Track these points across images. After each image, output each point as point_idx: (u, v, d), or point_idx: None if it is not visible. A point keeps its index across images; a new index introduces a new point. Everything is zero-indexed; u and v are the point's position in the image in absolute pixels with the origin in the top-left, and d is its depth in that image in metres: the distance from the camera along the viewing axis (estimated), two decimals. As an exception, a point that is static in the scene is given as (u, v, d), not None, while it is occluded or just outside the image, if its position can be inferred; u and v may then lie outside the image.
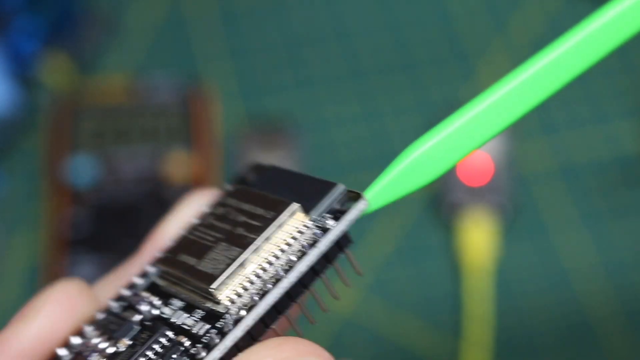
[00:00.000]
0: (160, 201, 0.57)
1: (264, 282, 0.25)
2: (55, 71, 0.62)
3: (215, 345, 0.25)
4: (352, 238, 0.26)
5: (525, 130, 0.61)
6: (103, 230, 0.56)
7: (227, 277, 0.26)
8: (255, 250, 0.26)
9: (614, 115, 0.62)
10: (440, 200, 0.58)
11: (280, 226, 0.26)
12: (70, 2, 0.63)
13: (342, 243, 0.26)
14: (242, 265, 0.26)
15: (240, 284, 0.26)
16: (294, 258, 0.26)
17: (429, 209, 0.59)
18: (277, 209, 0.26)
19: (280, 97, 0.63)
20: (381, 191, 0.27)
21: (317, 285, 0.26)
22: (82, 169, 0.58)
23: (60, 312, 0.27)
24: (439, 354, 0.55)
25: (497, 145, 0.59)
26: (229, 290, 0.25)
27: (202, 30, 0.65)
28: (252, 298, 0.25)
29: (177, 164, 0.58)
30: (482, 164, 0.58)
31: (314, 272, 0.26)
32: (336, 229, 0.26)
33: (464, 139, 0.26)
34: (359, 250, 0.57)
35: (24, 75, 0.61)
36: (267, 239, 0.26)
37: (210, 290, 0.25)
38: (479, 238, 0.57)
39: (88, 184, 0.57)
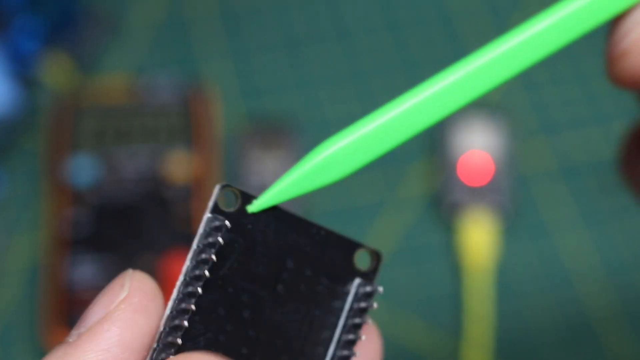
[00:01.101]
0: (160, 201, 0.57)
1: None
2: (55, 71, 0.62)
3: None
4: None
5: (526, 130, 0.61)
6: (103, 230, 0.56)
7: None
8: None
9: (614, 115, 0.62)
10: (441, 200, 0.58)
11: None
12: (71, 2, 0.63)
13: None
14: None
15: None
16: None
17: (429, 209, 0.59)
18: None
19: (280, 97, 0.63)
20: (288, 185, 0.25)
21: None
22: (82, 169, 0.58)
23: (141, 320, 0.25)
24: (439, 354, 0.55)
25: (497, 145, 0.59)
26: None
27: (202, 30, 0.65)
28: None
29: (177, 164, 0.58)
30: (483, 164, 0.58)
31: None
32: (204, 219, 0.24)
33: (377, 141, 0.25)
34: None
35: (24, 75, 0.61)
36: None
37: None
38: (479, 238, 0.57)
39: (88, 184, 0.57)
